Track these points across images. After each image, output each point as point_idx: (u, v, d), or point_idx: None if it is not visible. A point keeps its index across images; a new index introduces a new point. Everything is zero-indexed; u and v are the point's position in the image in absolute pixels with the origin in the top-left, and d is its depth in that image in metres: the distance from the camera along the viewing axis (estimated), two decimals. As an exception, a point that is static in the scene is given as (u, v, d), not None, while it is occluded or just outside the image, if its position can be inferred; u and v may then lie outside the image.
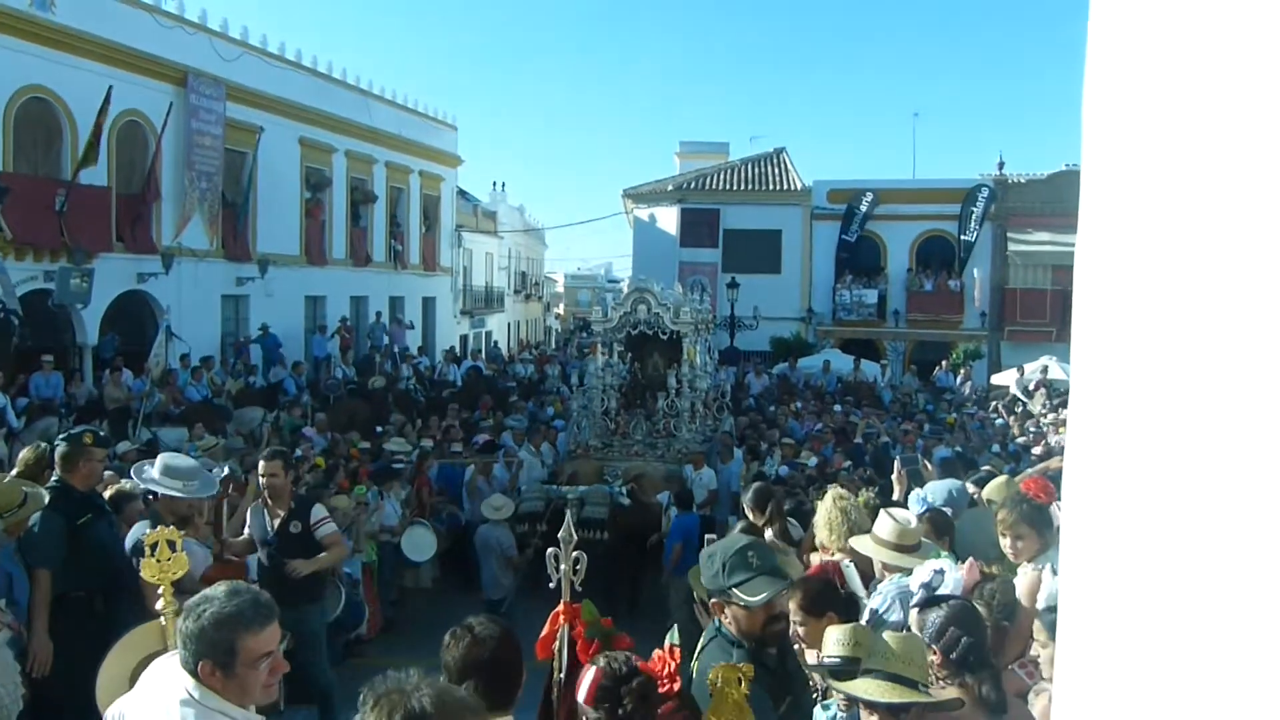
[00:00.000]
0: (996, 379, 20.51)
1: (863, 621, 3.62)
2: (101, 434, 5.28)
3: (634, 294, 11.47)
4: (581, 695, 2.21)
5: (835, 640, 2.91)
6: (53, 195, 14.46)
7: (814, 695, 3.27)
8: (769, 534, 5.33)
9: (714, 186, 26.86)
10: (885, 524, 4.09)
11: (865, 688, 2.64)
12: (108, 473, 5.76)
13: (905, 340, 25.42)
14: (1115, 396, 0.85)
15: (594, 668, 2.26)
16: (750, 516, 5.58)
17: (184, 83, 17.24)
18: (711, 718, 2.26)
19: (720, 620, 2.87)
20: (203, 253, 18.00)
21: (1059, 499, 3.70)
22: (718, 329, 18.91)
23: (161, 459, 5.16)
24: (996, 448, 12.07)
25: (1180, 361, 0.77)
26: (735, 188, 26.78)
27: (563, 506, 9.00)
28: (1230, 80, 0.73)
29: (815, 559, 5.06)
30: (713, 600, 2.89)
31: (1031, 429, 14.05)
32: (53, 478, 4.90)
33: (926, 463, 7.74)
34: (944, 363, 21.82)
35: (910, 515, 4.27)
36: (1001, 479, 5.73)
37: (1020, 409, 16.11)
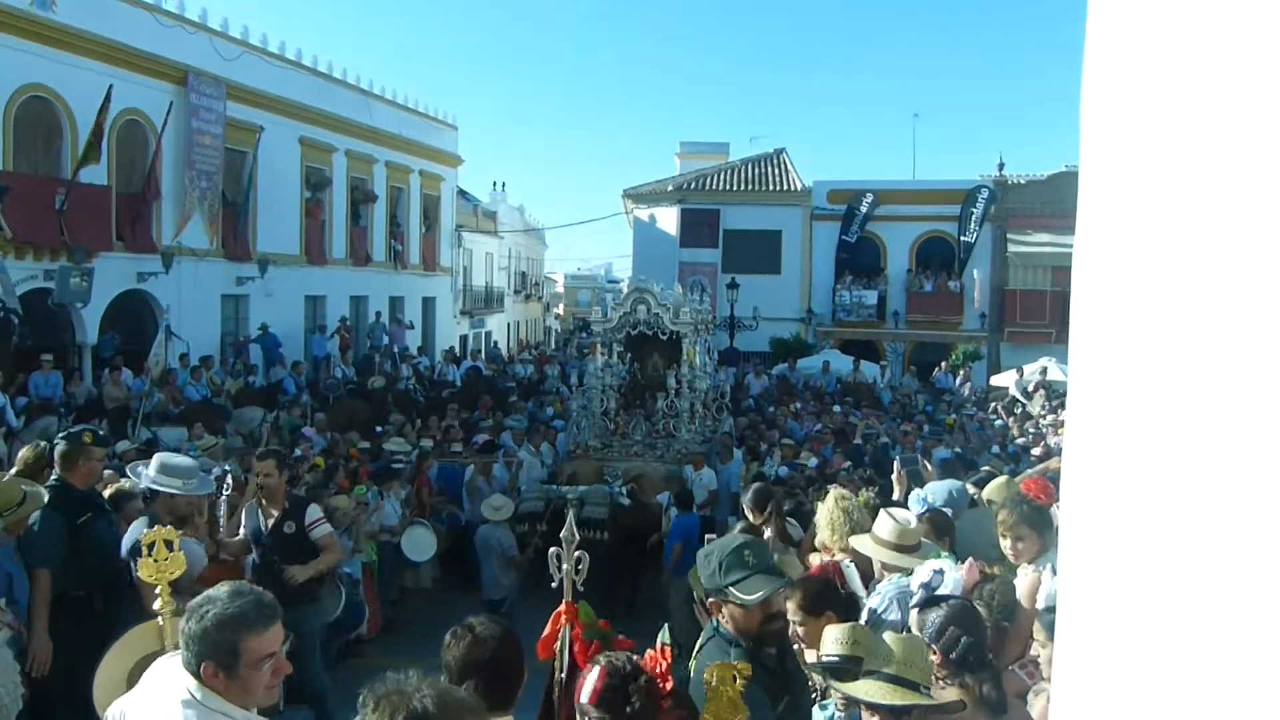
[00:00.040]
0: (996, 380, 20.52)
1: (861, 621, 3.62)
2: (101, 433, 5.28)
3: (634, 294, 11.47)
4: (585, 696, 2.20)
5: (834, 639, 2.91)
6: (53, 194, 14.46)
7: (813, 695, 3.27)
8: (768, 534, 5.33)
9: (714, 187, 26.87)
10: (885, 524, 4.10)
11: (867, 689, 2.64)
12: (107, 472, 5.76)
13: (905, 341, 25.42)
14: (1113, 398, 0.85)
15: (597, 667, 2.25)
16: (750, 517, 5.58)
17: (184, 82, 17.24)
18: (708, 717, 2.26)
19: (718, 619, 2.87)
20: (203, 252, 18.00)
21: (1059, 500, 3.70)
22: (717, 329, 18.91)
23: (158, 458, 5.16)
24: (996, 449, 12.08)
25: (1178, 363, 0.77)
26: (735, 188, 26.79)
27: (562, 506, 9.00)
28: (1229, 81, 0.73)
29: (815, 559, 5.06)
30: (710, 599, 2.89)
31: (1031, 430, 14.06)
32: (52, 477, 4.90)
33: (926, 463, 7.74)
34: (943, 364, 21.83)
35: (910, 515, 4.28)
36: (1001, 479, 5.73)
37: (1020, 410, 16.12)
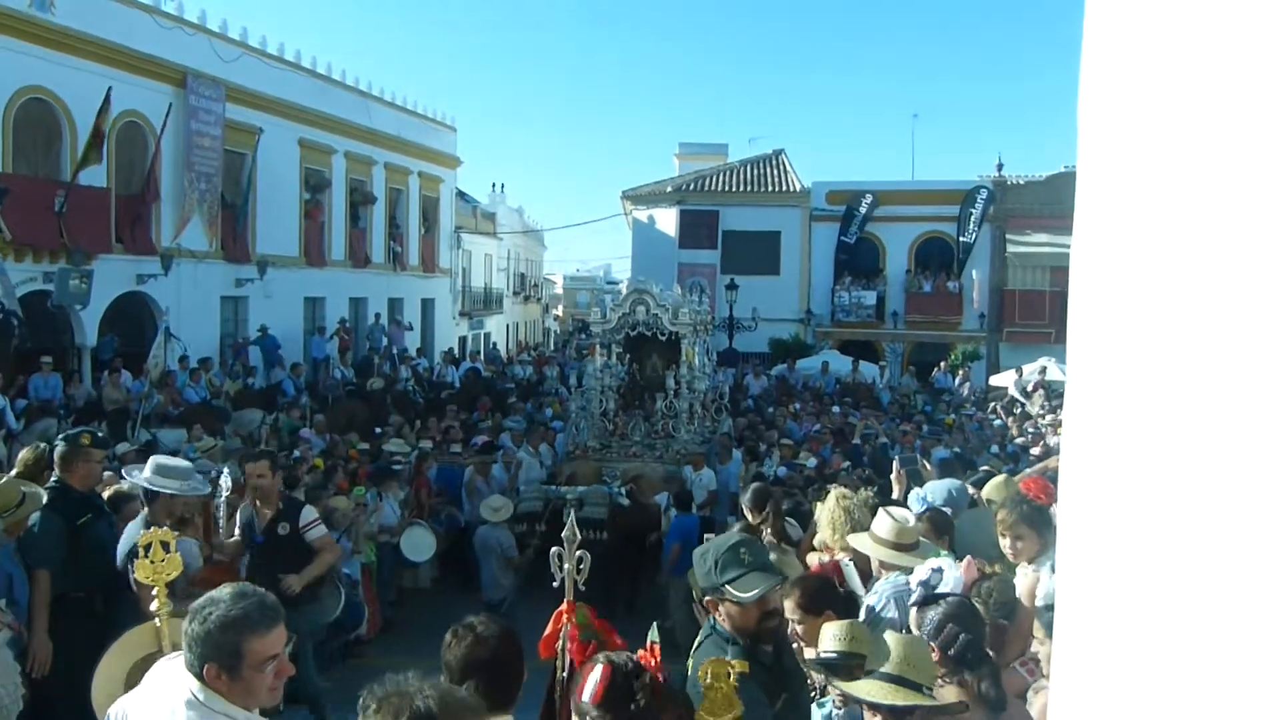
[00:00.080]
0: (995, 380, 20.52)
1: (859, 620, 3.63)
2: (99, 435, 5.28)
3: (633, 295, 11.48)
4: (588, 694, 2.18)
5: (832, 636, 2.92)
6: (52, 196, 14.46)
7: (811, 694, 3.27)
8: (767, 534, 5.32)
9: (713, 188, 26.87)
10: (883, 522, 4.10)
11: (868, 689, 2.64)
12: (107, 473, 5.76)
13: (904, 342, 25.43)
14: (1111, 397, 0.85)
15: (599, 666, 2.24)
16: (749, 517, 5.58)
17: (183, 83, 17.24)
18: (703, 714, 2.25)
19: (715, 617, 2.87)
20: (202, 254, 18.00)
21: (1058, 499, 3.69)
22: (716, 330, 18.92)
23: (153, 460, 5.15)
24: (995, 449, 12.08)
25: (1176, 362, 0.77)
26: (734, 189, 26.79)
27: (561, 506, 9.01)
28: (1226, 82, 0.74)
29: (813, 559, 5.06)
30: (706, 598, 2.90)
31: (1030, 430, 14.06)
32: (52, 478, 4.90)
33: (925, 463, 7.74)
34: (942, 364, 21.84)
35: (908, 514, 4.28)
36: (1000, 478, 5.74)
37: (1019, 410, 16.12)
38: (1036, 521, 3.72)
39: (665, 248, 25.91)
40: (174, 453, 9.01)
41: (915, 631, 3.03)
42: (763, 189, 26.71)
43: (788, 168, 27.61)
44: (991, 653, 3.22)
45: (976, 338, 24.73)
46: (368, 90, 23.81)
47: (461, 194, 30.97)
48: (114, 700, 2.51)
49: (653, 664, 2.30)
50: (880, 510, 4.26)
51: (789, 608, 3.34)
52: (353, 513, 7.81)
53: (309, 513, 5.64)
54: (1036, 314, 23.66)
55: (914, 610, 3.13)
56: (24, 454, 5.48)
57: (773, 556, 3.90)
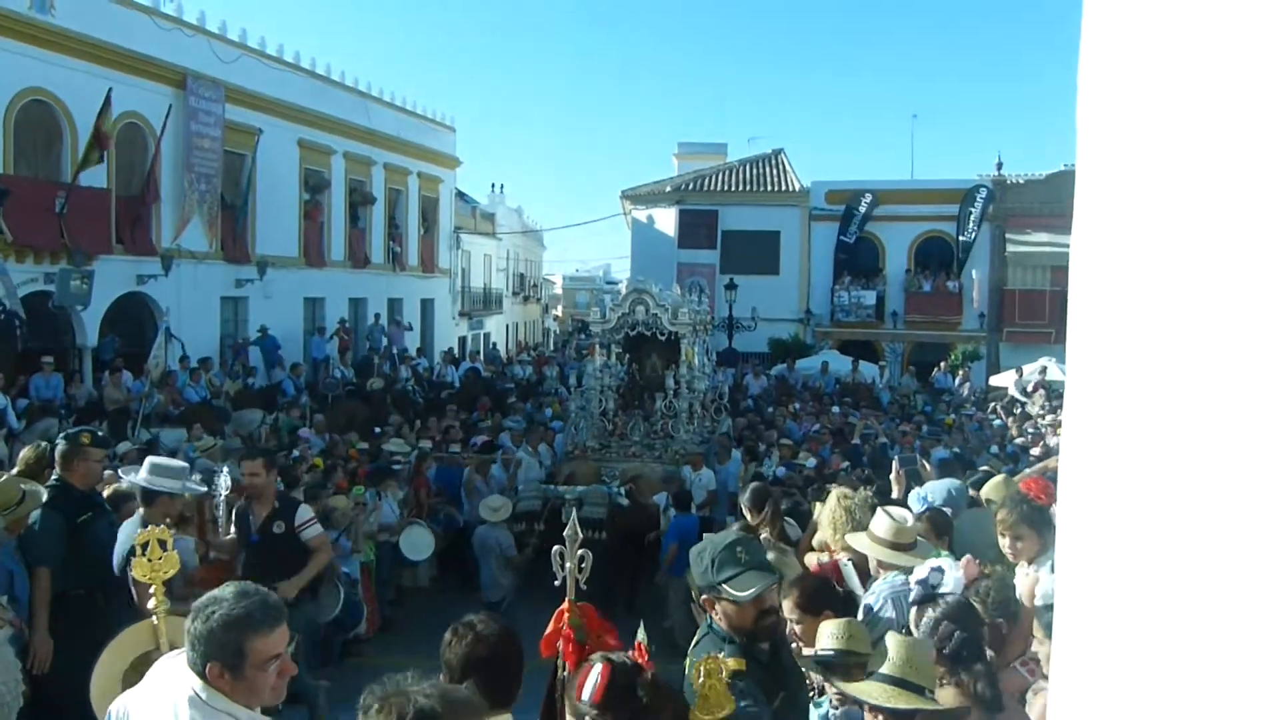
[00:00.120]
0: (995, 380, 20.52)
1: (857, 619, 3.63)
2: (99, 434, 5.29)
3: (632, 295, 11.48)
4: (588, 694, 2.18)
5: (830, 634, 2.92)
6: (53, 197, 14.47)
7: (810, 693, 3.27)
8: (765, 534, 5.32)
9: (712, 188, 26.87)
10: (882, 522, 4.10)
11: (870, 690, 2.64)
12: (107, 472, 5.77)
13: (904, 341, 25.43)
14: (1111, 397, 0.85)
15: (598, 665, 2.24)
16: (748, 516, 5.59)
17: (183, 85, 17.24)
18: (697, 714, 2.26)
19: (712, 616, 2.88)
20: (202, 254, 18.00)
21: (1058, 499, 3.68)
22: (716, 330, 18.92)
23: (149, 461, 5.15)
24: (995, 449, 12.08)
25: (1176, 362, 0.77)
26: (733, 189, 26.79)
27: (560, 506, 9.02)
28: (1224, 81, 0.73)
29: (812, 559, 5.06)
30: (703, 596, 2.90)
31: (1030, 430, 14.06)
32: (53, 477, 4.91)
33: (925, 463, 7.74)
34: (942, 364, 21.84)
35: (906, 514, 4.28)
36: (1000, 478, 5.74)
37: (1019, 410, 16.12)
38: (1036, 521, 3.72)
39: (664, 248, 25.92)
40: (174, 452, 9.03)
41: (915, 630, 3.03)
42: (762, 189, 26.72)
43: (787, 167, 27.61)
44: (991, 652, 3.22)
45: (976, 337, 24.73)
46: (367, 91, 23.81)
47: (461, 194, 30.98)
48: (111, 698, 2.51)
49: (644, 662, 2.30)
50: (878, 510, 4.26)
51: (787, 607, 3.35)
52: (352, 512, 7.81)
53: (305, 511, 5.62)
54: (1036, 314, 23.66)
55: (913, 610, 3.13)
56: (25, 452, 5.50)
57: (771, 556, 3.91)
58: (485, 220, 33.14)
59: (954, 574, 3.51)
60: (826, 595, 3.57)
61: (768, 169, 27.71)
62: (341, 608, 6.30)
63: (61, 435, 5.16)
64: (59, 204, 14.40)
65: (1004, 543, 3.81)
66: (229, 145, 18.51)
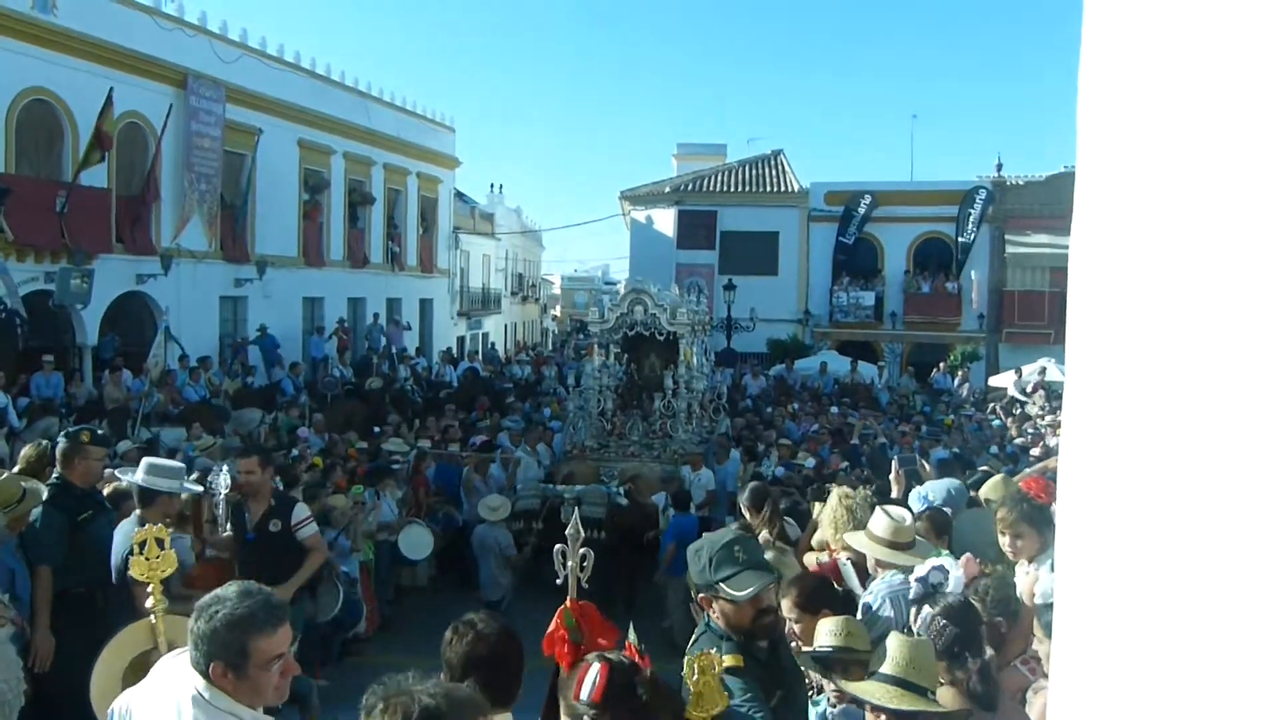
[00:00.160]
0: (994, 381, 20.53)
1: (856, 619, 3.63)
2: (99, 433, 5.28)
3: (631, 295, 11.49)
4: (586, 693, 2.17)
5: (828, 631, 2.93)
6: (53, 197, 14.47)
7: (810, 692, 3.28)
8: (765, 534, 5.33)
9: (711, 188, 26.87)
10: (880, 521, 4.10)
11: (873, 691, 2.64)
12: (109, 471, 5.78)
13: (903, 342, 25.43)
14: (1110, 398, 0.85)
15: (596, 664, 2.24)
16: (747, 516, 5.59)
17: (183, 84, 17.24)
18: (692, 710, 2.26)
19: (709, 615, 2.88)
20: (201, 254, 18.00)
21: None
22: (714, 331, 18.92)
23: (145, 462, 5.15)
24: (994, 449, 12.08)
25: (1175, 363, 0.77)
26: (732, 189, 26.79)
27: (559, 505, 9.03)
28: (1224, 82, 0.74)
29: (811, 559, 5.07)
30: (700, 595, 2.90)
31: (1029, 430, 14.07)
32: (53, 475, 4.92)
33: (924, 463, 7.75)
34: (941, 365, 21.84)
35: (905, 513, 4.28)
36: (998, 478, 5.74)
37: (1018, 411, 16.12)
38: (1036, 520, 3.72)
39: (663, 248, 25.91)
40: (174, 451, 9.04)
41: (915, 629, 3.04)
42: (761, 189, 26.72)
43: (786, 168, 27.61)
44: (991, 650, 3.23)
45: (975, 338, 24.74)
46: (366, 91, 23.81)
47: (460, 194, 30.97)
48: (111, 698, 2.51)
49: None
50: (877, 509, 4.26)
51: (786, 607, 3.35)
52: (351, 511, 7.82)
53: (301, 510, 5.57)
54: (1036, 315, 23.65)
55: (914, 607, 3.14)
56: (26, 450, 5.52)
57: (769, 555, 3.91)
58: (484, 220, 33.13)
59: (956, 573, 3.52)
60: (825, 594, 3.58)
61: (767, 170, 27.71)
62: (341, 607, 6.30)
63: (62, 434, 5.16)
64: (60, 203, 14.40)
65: (1004, 541, 3.81)
66: (229, 145, 18.51)
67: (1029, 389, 17.36)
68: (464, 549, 9.27)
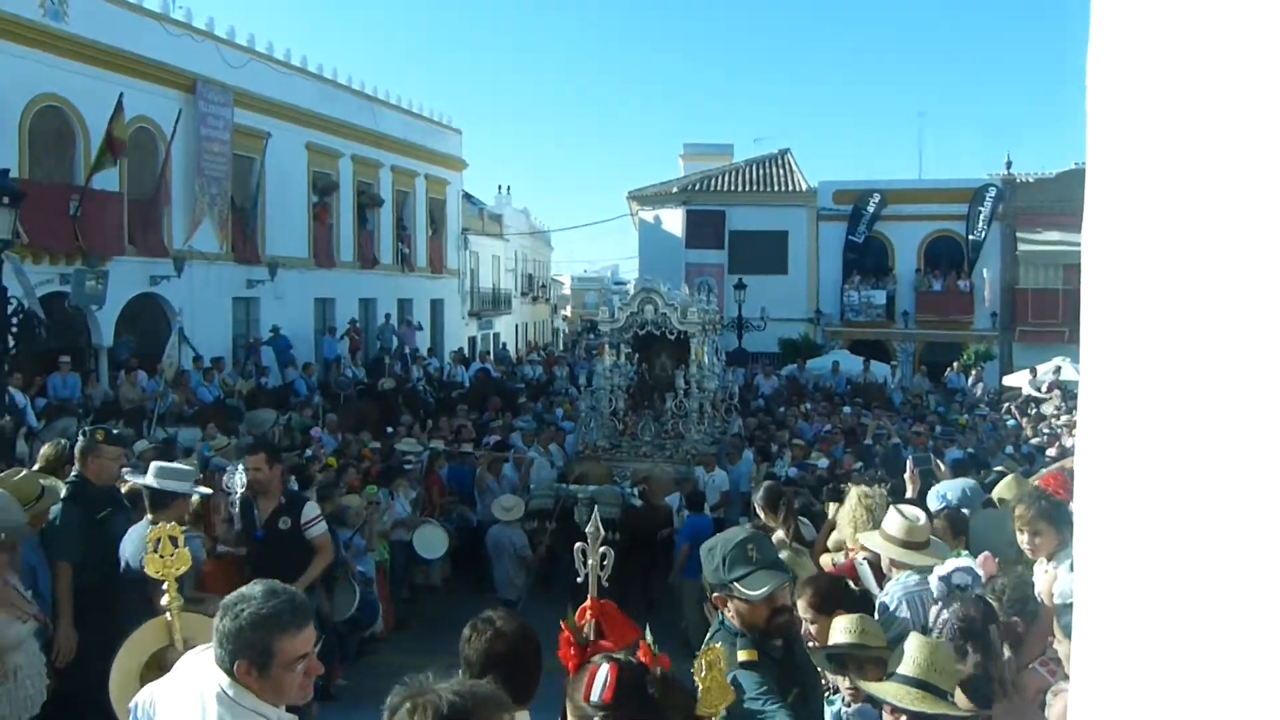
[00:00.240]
0: (1008, 380, 20.43)
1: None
2: (115, 432, 5.33)
3: (641, 294, 11.49)
4: (597, 694, 2.17)
5: (842, 629, 2.93)
6: (67, 200, 14.61)
7: (826, 691, 3.28)
8: (780, 534, 5.32)
9: (719, 188, 26.85)
10: (894, 520, 4.08)
11: (894, 692, 2.63)
12: (126, 470, 5.83)
13: (915, 341, 25.34)
14: (1125, 396, 0.84)
15: (605, 665, 2.24)
16: (762, 516, 5.58)
17: (193, 90, 17.37)
18: (701, 706, 2.27)
19: (724, 614, 2.88)
20: (213, 256, 18.12)
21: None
22: (725, 330, 18.90)
23: (153, 466, 5.18)
24: (1010, 449, 12.01)
25: (1191, 360, 0.76)
26: (740, 189, 26.76)
27: (572, 505, 9.05)
28: (1235, 76, 0.73)
29: (827, 560, 5.06)
30: (715, 594, 2.91)
31: (1045, 430, 13.99)
32: (72, 473, 4.97)
33: (939, 463, 7.72)
34: (955, 364, 21.74)
35: (919, 512, 4.26)
36: (1011, 477, 5.72)
37: (1033, 410, 16.03)
38: (1055, 516, 3.69)
39: (672, 248, 25.91)
40: (189, 451, 9.11)
41: (946, 642, 3.01)
42: (769, 189, 26.68)
43: (794, 167, 27.57)
44: (1008, 651, 3.22)
45: (989, 337, 24.62)
46: (374, 94, 23.92)
47: (468, 196, 31.05)
48: (129, 694, 2.53)
49: (649, 660, 2.31)
50: (891, 508, 4.24)
51: (801, 607, 3.34)
52: (365, 511, 7.85)
53: (311, 509, 5.53)
54: (1049, 313, 23.49)
55: (935, 607, 3.13)
56: (45, 449, 5.60)
57: (784, 555, 3.91)
58: (493, 221, 33.22)
59: (980, 575, 3.49)
60: (840, 595, 3.57)
61: (774, 169, 27.67)
62: (357, 606, 6.33)
63: (79, 432, 5.22)
64: (73, 207, 14.53)
65: (1022, 539, 3.78)
66: (238, 149, 18.62)
67: (1044, 388, 17.26)
68: (478, 549, 9.30)
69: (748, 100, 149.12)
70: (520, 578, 8.56)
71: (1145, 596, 0.82)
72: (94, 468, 4.90)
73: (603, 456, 10.88)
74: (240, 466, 5.66)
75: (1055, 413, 15.37)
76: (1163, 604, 0.80)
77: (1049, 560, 3.65)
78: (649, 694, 2.14)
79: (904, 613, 3.76)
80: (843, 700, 3.23)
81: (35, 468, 5.34)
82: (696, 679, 2.27)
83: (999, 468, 8.24)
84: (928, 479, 6.43)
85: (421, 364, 20.27)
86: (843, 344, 24.03)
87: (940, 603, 3.17)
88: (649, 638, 2.45)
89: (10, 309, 9.81)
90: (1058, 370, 17.49)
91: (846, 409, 15.20)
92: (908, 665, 2.65)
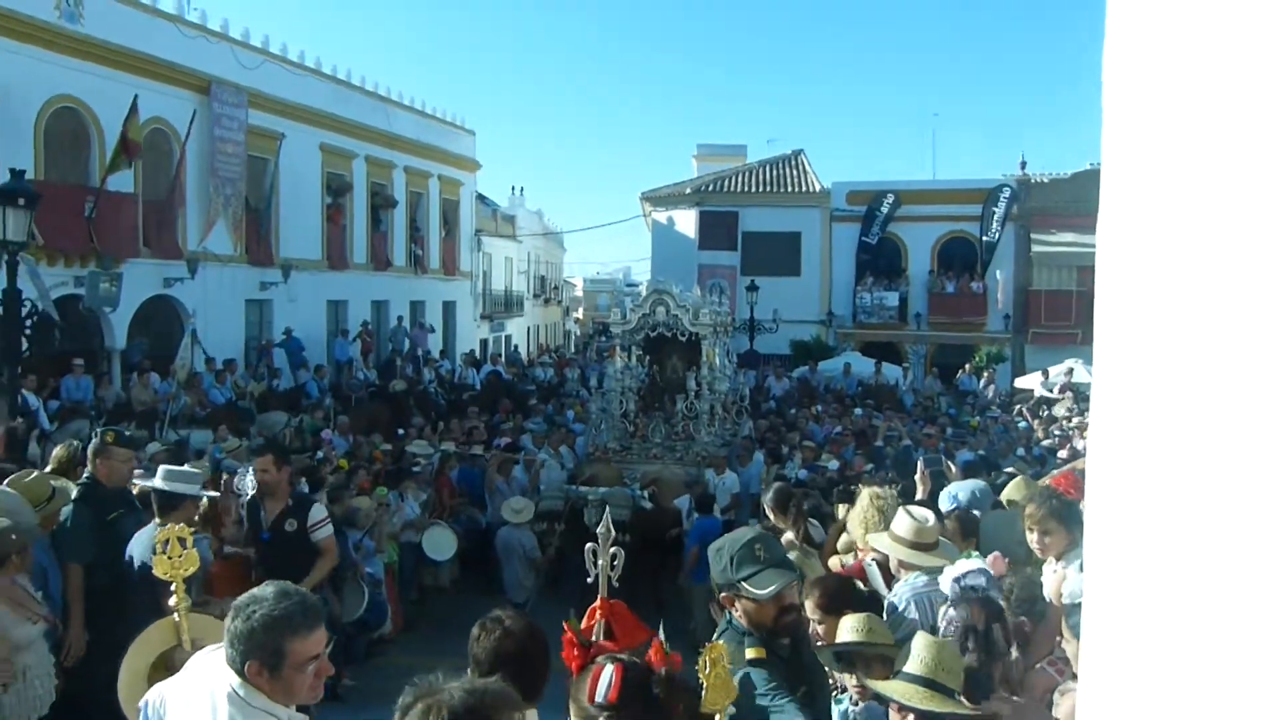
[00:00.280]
0: (1020, 382, 20.33)
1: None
2: (126, 434, 5.37)
3: (653, 295, 11.49)
4: (601, 695, 2.17)
5: (849, 627, 2.92)
6: (81, 202, 14.72)
7: (833, 690, 3.27)
8: (789, 536, 5.31)
9: (732, 189, 26.83)
10: (903, 521, 4.07)
11: (901, 690, 2.63)
12: (137, 472, 5.87)
13: (927, 343, 25.24)
14: (1138, 399, 0.84)
15: (610, 666, 2.24)
16: (771, 518, 5.57)
17: (207, 91, 17.49)
18: (705, 703, 2.26)
19: (732, 613, 2.88)
20: (227, 258, 18.23)
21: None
22: (736, 332, 18.87)
23: (161, 469, 5.20)
24: (1021, 451, 11.96)
25: (1205, 363, 0.76)
26: (753, 190, 26.74)
27: (582, 507, 9.06)
28: (1252, 75, 0.72)
29: (835, 563, 5.04)
30: (723, 594, 2.90)
31: (1056, 433, 13.92)
32: (84, 474, 5.00)
33: (950, 465, 7.69)
34: (967, 366, 21.64)
35: (928, 513, 4.25)
36: (1019, 479, 5.70)
37: (1045, 412, 15.95)
38: (1065, 516, 3.68)
39: (685, 249, 25.90)
40: (201, 453, 9.17)
41: (941, 629, 3.01)
42: (782, 190, 26.65)
43: (807, 168, 27.53)
44: (1015, 650, 3.20)
45: (1001, 339, 24.49)
46: (387, 95, 24.01)
47: (481, 197, 31.14)
48: (137, 694, 2.55)
49: (658, 660, 2.31)
50: (900, 509, 4.23)
51: (809, 608, 3.34)
52: (375, 512, 7.88)
53: (318, 511, 5.52)
54: (1063, 315, 23.35)
55: (944, 608, 3.12)
56: (57, 451, 5.64)
57: (793, 556, 3.90)
58: (506, 223, 33.29)
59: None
60: (848, 595, 3.56)
61: (787, 170, 27.64)
62: (366, 608, 6.35)
63: (91, 434, 5.25)
64: (88, 208, 14.65)
65: (1032, 538, 3.77)
66: (252, 150, 18.73)
67: (1056, 390, 17.17)
68: (487, 550, 9.32)
69: (761, 101, 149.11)
70: (529, 579, 8.57)
71: (1154, 597, 0.82)
72: (105, 469, 4.93)
73: (613, 458, 10.88)
74: (250, 468, 5.69)
75: (1067, 415, 15.29)
76: (1172, 604, 0.80)
77: (1058, 560, 3.64)
78: (654, 694, 2.13)
79: (912, 614, 3.75)
80: (850, 699, 3.22)
81: (47, 469, 5.37)
82: (700, 675, 2.27)
83: (1010, 470, 8.20)
84: (939, 481, 6.41)
85: (433, 366, 20.33)
86: (855, 346, 23.97)
87: (951, 603, 3.16)
88: (662, 636, 2.45)
89: (25, 311, 9.89)
90: (1070, 372, 17.40)
91: (858, 411, 15.16)
92: (915, 663, 2.65)
